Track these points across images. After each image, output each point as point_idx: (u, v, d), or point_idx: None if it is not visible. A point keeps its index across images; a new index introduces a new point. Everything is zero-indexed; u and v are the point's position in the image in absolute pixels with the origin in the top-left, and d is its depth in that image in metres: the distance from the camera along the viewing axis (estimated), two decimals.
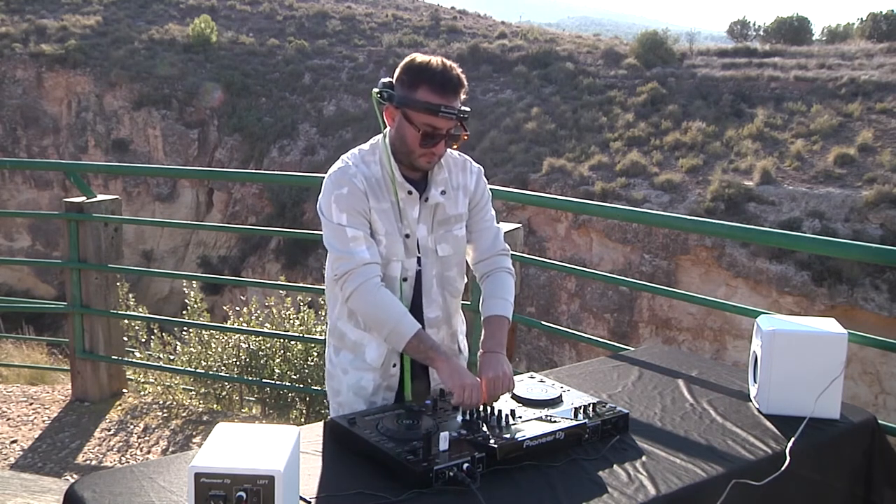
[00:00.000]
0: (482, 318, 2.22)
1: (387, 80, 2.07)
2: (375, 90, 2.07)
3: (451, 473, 1.68)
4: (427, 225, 2.15)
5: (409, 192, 2.12)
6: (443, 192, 2.15)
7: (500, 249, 2.31)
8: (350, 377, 2.20)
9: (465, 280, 2.30)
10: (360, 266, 2.03)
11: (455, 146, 2.12)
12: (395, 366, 2.18)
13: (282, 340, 5.04)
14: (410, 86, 2.02)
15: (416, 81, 2.01)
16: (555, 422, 1.93)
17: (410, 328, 2.03)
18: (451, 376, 2.00)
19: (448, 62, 2.04)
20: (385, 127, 2.12)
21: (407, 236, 2.12)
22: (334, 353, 2.25)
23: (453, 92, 2.01)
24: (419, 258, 2.15)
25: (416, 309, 2.16)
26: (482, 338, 2.18)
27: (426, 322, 2.18)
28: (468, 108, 2.05)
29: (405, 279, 2.14)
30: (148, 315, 5.41)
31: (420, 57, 2.06)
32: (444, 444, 1.74)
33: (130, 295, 5.17)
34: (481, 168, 2.29)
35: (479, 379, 2.04)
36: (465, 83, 2.05)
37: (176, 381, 5.12)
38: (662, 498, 1.72)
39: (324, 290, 2.32)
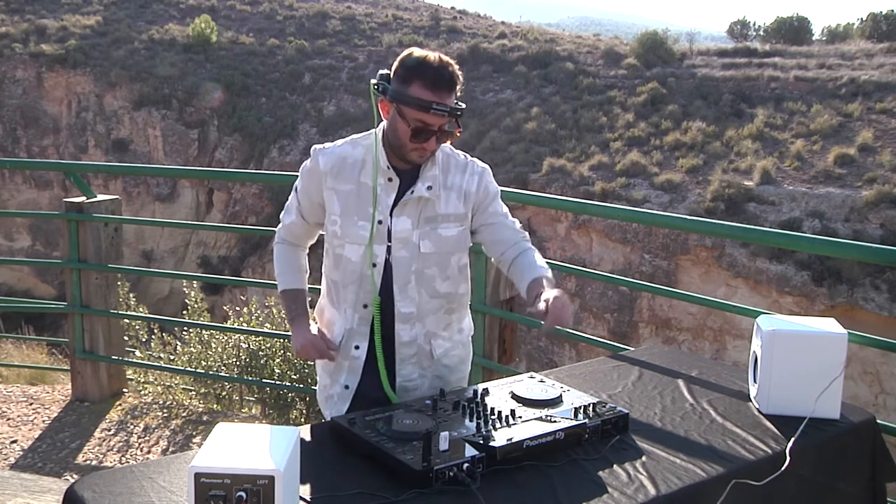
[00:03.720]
0: (525, 287, 2.11)
1: (385, 72, 2.08)
2: (373, 81, 2.07)
3: (451, 473, 1.67)
4: (412, 219, 2.13)
5: (389, 179, 2.12)
6: (429, 188, 2.12)
7: (521, 237, 2.27)
8: None
9: (462, 291, 2.24)
10: (280, 227, 2.35)
11: (449, 142, 2.11)
12: (357, 348, 2.19)
13: (282, 340, 5.04)
14: (404, 80, 2.01)
15: (410, 77, 2.00)
16: (555, 422, 1.93)
17: (281, 285, 2.30)
18: (294, 338, 2.24)
19: (445, 58, 2.03)
20: (379, 117, 2.12)
21: (380, 222, 2.11)
22: (317, 330, 2.30)
23: (446, 89, 2.00)
24: (389, 247, 2.13)
25: (387, 300, 2.15)
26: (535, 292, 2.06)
27: (397, 316, 2.15)
28: (463, 105, 2.03)
29: (374, 265, 2.13)
30: (148, 315, 5.40)
31: (417, 51, 2.05)
32: (444, 444, 1.73)
33: (130, 295, 5.17)
34: (487, 168, 2.24)
35: None
36: (460, 80, 2.04)
37: (176, 381, 5.11)
38: (662, 498, 1.72)
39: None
